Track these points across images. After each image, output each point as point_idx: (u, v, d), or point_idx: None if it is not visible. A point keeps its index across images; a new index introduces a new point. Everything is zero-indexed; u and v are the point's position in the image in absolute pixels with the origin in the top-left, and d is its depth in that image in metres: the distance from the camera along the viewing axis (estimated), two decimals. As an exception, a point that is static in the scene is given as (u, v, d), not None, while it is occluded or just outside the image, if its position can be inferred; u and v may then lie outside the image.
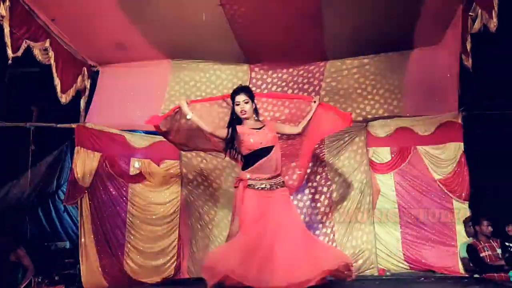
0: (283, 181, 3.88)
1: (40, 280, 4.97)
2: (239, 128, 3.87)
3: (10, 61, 4.22)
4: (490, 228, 4.89)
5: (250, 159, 3.79)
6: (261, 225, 3.60)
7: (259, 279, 3.26)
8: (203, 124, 3.89)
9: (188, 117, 3.88)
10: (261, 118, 4.10)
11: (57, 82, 5.01)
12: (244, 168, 3.83)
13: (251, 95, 3.91)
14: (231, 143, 3.89)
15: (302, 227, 3.90)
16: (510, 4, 3.84)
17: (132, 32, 5.04)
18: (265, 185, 3.75)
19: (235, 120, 3.90)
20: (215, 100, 4.27)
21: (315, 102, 4.18)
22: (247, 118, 3.88)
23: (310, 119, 4.11)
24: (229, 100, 4.04)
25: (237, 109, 3.85)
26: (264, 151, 3.76)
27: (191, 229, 5.74)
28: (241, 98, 3.85)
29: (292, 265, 3.36)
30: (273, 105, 5.77)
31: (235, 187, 3.85)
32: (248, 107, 3.85)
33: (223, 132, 3.89)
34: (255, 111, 3.97)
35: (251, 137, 3.79)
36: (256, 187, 3.74)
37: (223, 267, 3.34)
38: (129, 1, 4.58)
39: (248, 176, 3.75)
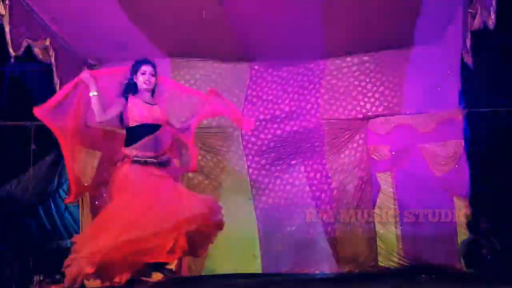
0: (170, 160, 3.66)
1: (41, 278, 4.98)
2: (131, 98, 3.54)
3: (12, 60, 4.22)
4: (489, 226, 4.90)
5: (134, 133, 3.51)
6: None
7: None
8: (100, 109, 3.42)
9: (91, 94, 3.43)
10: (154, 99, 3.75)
11: (56, 81, 5.02)
12: (128, 144, 3.51)
13: (156, 70, 3.68)
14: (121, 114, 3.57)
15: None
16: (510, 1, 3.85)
17: (132, 31, 5.03)
18: (152, 161, 3.48)
19: (130, 89, 3.59)
20: (118, 72, 3.81)
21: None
22: (148, 91, 3.62)
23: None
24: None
25: (142, 78, 3.57)
26: (152, 128, 3.51)
27: (192, 227, 5.73)
28: (148, 68, 3.60)
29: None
30: (273, 103, 5.82)
31: (116, 162, 3.55)
32: (153, 79, 3.62)
33: (117, 109, 3.52)
34: (155, 88, 3.71)
35: (140, 111, 3.51)
36: (143, 161, 3.45)
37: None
38: (129, -1, 4.58)
39: (132, 152, 3.46)
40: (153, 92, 3.70)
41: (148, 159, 3.45)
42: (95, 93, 3.42)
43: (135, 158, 3.43)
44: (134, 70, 3.61)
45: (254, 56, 5.78)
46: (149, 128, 3.50)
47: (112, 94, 3.61)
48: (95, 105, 3.41)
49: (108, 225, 3.31)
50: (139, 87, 3.59)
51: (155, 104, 3.63)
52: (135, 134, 3.49)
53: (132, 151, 3.45)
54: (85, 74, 3.54)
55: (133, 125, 3.51)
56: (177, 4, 4.64)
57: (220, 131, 5.62)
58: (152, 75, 3.61)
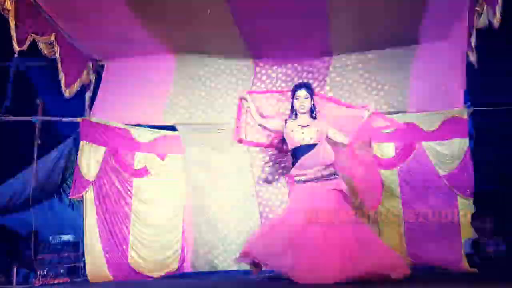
0: (333, 174, 3.95)
1: (45, 273, 5.00)
2: (289, 122, 4.03)
3: (16, 55, 4.24)
4: (493, 225, 4.88)
5: (295, 155, 3.94)
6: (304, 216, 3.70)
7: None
8: (256, 115, 4.08)
9: (247, 105, 4.11)
10: (316, 116, 4.17)
11: (61, 76, 5.03)
12: (292, 164, 3.97)
13: (311, 92, 4.07)
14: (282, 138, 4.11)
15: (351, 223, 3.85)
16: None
17: (137, 27, 5.04)
18: (312, 178, 3.83)
19: (292, 114, 4.07)
20: (273, 93, 4.51)
21: (368, 110, 4.16)
22: (303, 113, 4.00)
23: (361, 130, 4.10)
24: (288, 94, 4.25)
25: (296, 103, 3.98)
26: (307, 148, 3.87)
27: (195, 223, 5.76)
28: (302, 93, 4.00)
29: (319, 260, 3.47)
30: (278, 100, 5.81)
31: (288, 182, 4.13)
32: (307, 103, 3.99)
33: (273, 124, 4.10)
34: (312, 109, 4.11)
35: (295, 134, 3.92)
36: (303, 180, 3.86)
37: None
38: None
39: (294, 172, 3.89)
40: (312, 111, 4.10)
41: (307, 178, 3.80)
42: (250, 105, 4.14)
43: (296, 178, 3.85)
44: (292, 95, 4.07)
45: (259, 53, 5.77)
46: (304, 149, 3.85)
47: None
48: (252, 112, 4.15)
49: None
50: (297, 111, 4.02)
51: (309, 125, 4.00)
52: (294, 156, 3.91)
53: (293, 171, 3.88)
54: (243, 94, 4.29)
55: (291, 148, 3.97)
56: (182, 0, 4.64)
57: (225, 127, 5.61)
58: (306, 98, 4.00)
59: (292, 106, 4.07)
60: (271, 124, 4.14)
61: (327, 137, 4.04)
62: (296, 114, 4.04)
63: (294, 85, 4.16)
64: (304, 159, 3.83)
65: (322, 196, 3.79)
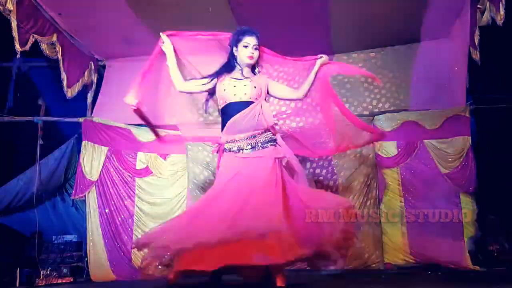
0: (271, 140, 3.14)
1: (48, 273, 5.02)
2: (223, 77, 3.22)
3: (18, 55, 4.25)
4: (496, 223, 4.88)
5: (224, 115, 3.12)
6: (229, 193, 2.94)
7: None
8: (177, 78, 3.29)
9: (163, 47, 3.30)
10: (257, 71, 3.41)
11: (63, 76, 5.05)
12: (221, 128, 3.15)
13: (259, 41, 3.22)
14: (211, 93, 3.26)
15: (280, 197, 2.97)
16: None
17: (138, 27, 5.05)
18: (244, 146, 3.05)
19: (226, 69, 3.23)
20: (205, 36, 3.41)
21: (320, 57, 3.53)
22: (249, 65, 3.23)
23: (313, 80, 3.56)
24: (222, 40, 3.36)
25: (244, 52, 3.15)
26: (238, 106, 3.06)
27: (198, 222, 5.75)
28: (252, 41, 3.16)
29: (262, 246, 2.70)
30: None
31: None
32: (256, 54, 3.20)
33: (203, 84, 3.26)
34: (255, 63, 3.33)
35: (227, 89, 3.11)
36: (233, 150, 3.07)
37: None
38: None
39: (224, 139, 3.10)
40: (254, 66, 3.34)
41: (239, 145, 3.02)
42: (172, 63, 3.25)
43: (226, 146, 3.06)
44: (235, 40, 3.18)
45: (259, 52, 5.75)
46: (234, 107, 3.05)
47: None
48: (172, 74, 3.32)
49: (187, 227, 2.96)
50: (238, 61, 3.20)
51: (247, 79, 3.20)
52: (223, 118, 3.10)
53: (222, 136, 3.08)
54: (161, 41, 3.32)
55: (221, 107, 3.14)
56: (183, 0, 4.64)
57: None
58: (256, 48, 3.19)
59: (232, 57, 3.22)
60: (197, 86, 3.23)
61: (269, 94, 3.37)
62: (232, 67, 3.21)
63: (239, 29, 3.22)
64: (233, 120, 3.00)
65: (254, 170, 2.97)
